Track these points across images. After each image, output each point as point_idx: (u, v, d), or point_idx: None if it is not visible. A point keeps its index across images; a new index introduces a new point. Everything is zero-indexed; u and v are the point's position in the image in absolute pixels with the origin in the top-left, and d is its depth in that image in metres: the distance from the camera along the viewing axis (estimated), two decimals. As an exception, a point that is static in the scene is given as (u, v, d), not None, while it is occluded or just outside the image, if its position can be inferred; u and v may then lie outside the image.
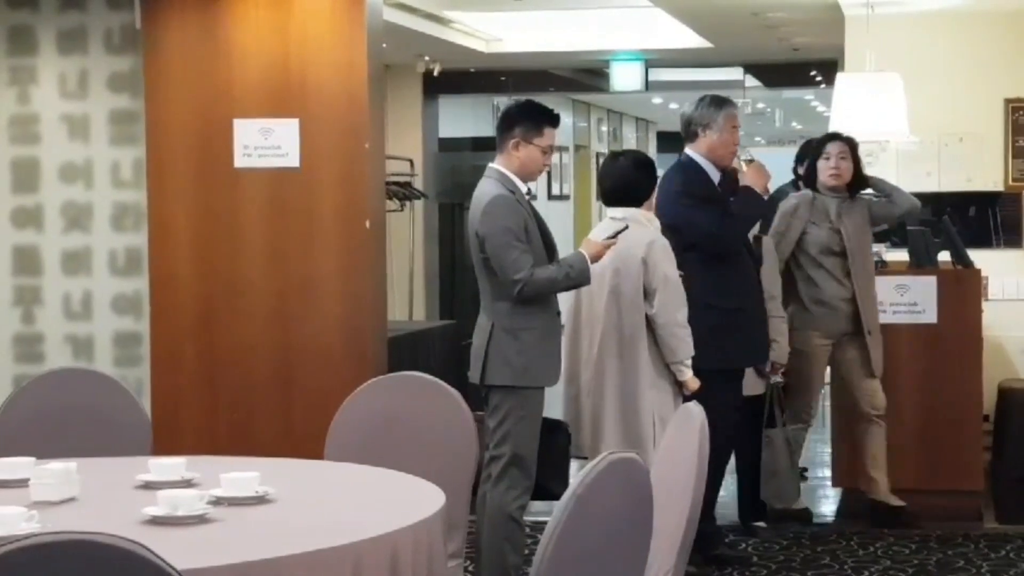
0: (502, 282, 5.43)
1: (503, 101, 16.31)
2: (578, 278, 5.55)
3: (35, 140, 7.60)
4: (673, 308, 5.98)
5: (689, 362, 6.00)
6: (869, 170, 7.62)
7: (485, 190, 5.51)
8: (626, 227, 5.78)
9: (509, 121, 5.55)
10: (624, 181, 6.14)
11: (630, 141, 22.63)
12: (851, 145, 7.37)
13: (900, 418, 7.53)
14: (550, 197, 17.40)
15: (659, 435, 5.96)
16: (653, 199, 6.23)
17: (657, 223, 6.16)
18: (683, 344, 5.98)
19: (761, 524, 7.29)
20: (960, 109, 8.99)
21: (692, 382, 5.99)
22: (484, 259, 5.47)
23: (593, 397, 6.08)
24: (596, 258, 5.61)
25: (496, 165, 5.56)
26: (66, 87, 7.56)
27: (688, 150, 6.54)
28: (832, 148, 7.33)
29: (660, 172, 6.44)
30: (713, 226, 6.34)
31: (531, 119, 5.54)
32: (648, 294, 6.01)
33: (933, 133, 9.05)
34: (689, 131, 6.52)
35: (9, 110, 7.60)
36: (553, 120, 5.59)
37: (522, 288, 5.38)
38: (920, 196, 7.67)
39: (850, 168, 7.29)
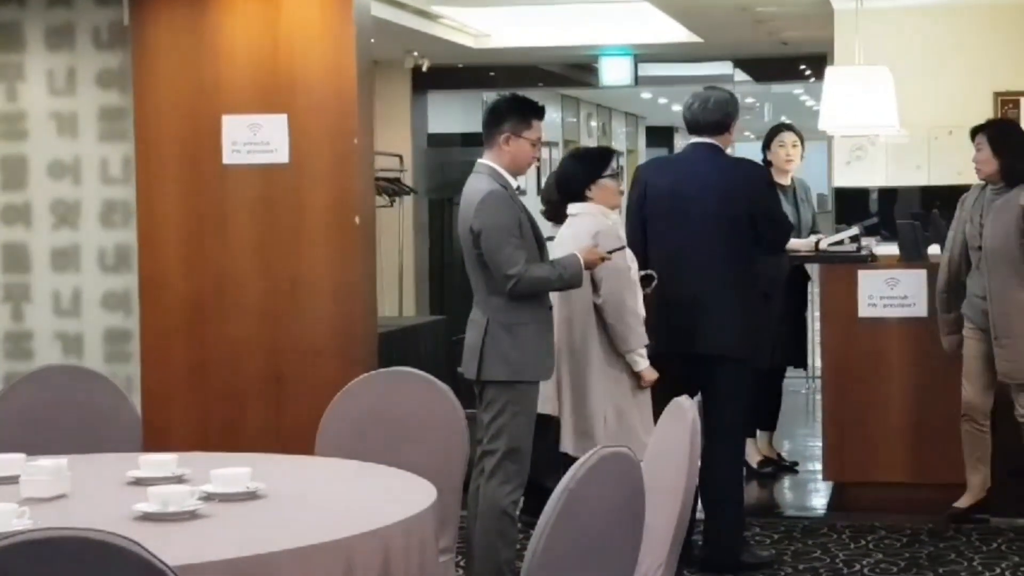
0: (496, 277, 5.42)
1: (492, 96, 16.31)
2: (570, 280, 5.56)
3: (23, 137, 7.58)
4: (621, 296, 6.00)
5: (644, 351, 6.02)
6: (862, 164, 7.53)
7: (478, 186, 5.50)
8: (623, 247, 5.79)
9: (497, 116, 5.54)
10: (561, 176, 6.11)
11: (620, 136, 22.64)
12: (990, 134, 6.98)
13: (891, 411, 7.53)
14: (539, 192, 17.39)
15: (615, 428, 6.01)
16: (613, 186, 6.19)
17: (613, 218, 6.13)
18: (633, 333, 6.01)
19: None
20: (949, 103, 9.00)
21: (648, 372, 6.02)
22: (478, 254, 5.46)
23: (557, 391, 6.14)
24: (590, 266, 5.64)
25: (486, 160, 5.55)
26: (54, 83, 7.55)
27: (718, 142, 6.38)
28: (978, 140, 7.01)
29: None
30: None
31: (519, 113, 5.54)
32: (595, 284, 6.03)
33: (922, 127, 9.06)
34: (723, 124, 6.34)
35: (-3, 107, 7.59)
36: (539, 112, 5.60)
37: (515, 284, 5.38)
38: (909, 190, 7.68)
39: (990, 159, 6.93)
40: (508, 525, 5.48)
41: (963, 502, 7.18)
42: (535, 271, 5.44)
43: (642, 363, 6.01)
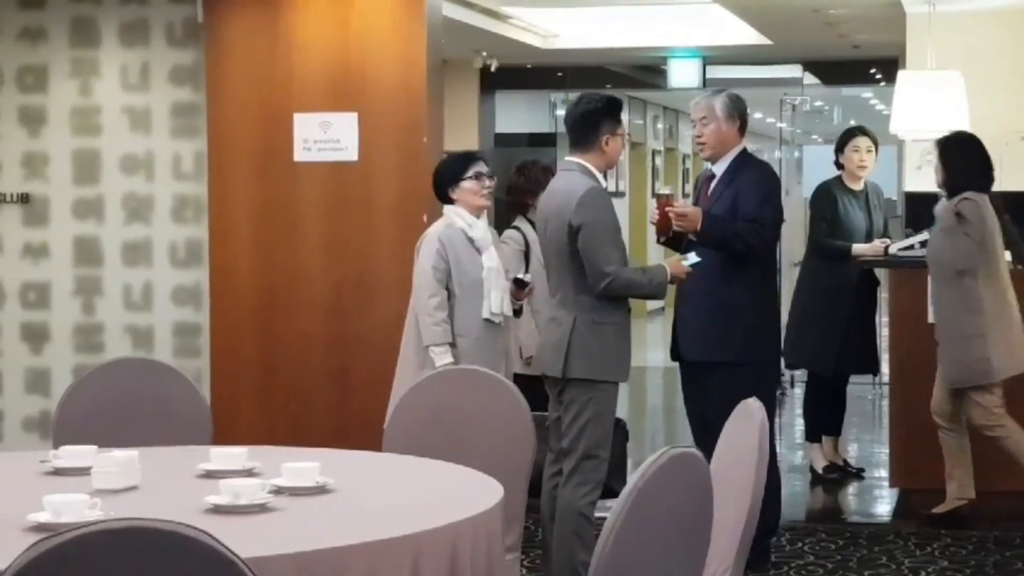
0: (591, 274, 5.44)
1: (559, 97, 16.31)
2: (655, 291, 5.64)
3: (96, 132, 7.66)
4: (423, 296, 6.11)
5: (439, 349, 6.03)
6: (932, 169, 7.41)
7: (576, 181, 5.52)
8: (700, 261, 5.78)
9: (595, 120, 5.56)
10: (434, 177, 6.29)
11: (686, 138, 22.57)
12: (941, 146, 7.11)
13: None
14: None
15: None
16: (474, 188, 6.16)
17: (468, 220, 6.13)
18: (428, 330, 6.07)
19: None
20: (1022, 108, 8.91)
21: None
22: (572, 251, 5.48)
23: None
24: (675, 279, 5.67)
25: (577, 159, 5.59)
26: (128, 79, 7.63)
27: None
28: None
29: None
30: None
31: (611, 113, 5.62)
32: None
33: (995, 132, 8.94)
34: None
35: (71, 102, 7.67)
36: (621, 107, 5.73)
37: (610, 283, 5.42)
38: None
39: (938, 169, 7.07)
40: (584, 526, 5.47)
41: (939, 508, 7.18)
42: (628, 274, 5.51)
43: (438, 360, 6.03)
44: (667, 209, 6.04)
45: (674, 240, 6.24)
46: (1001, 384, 7.01)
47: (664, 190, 6.39)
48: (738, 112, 6.29)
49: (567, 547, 5.48)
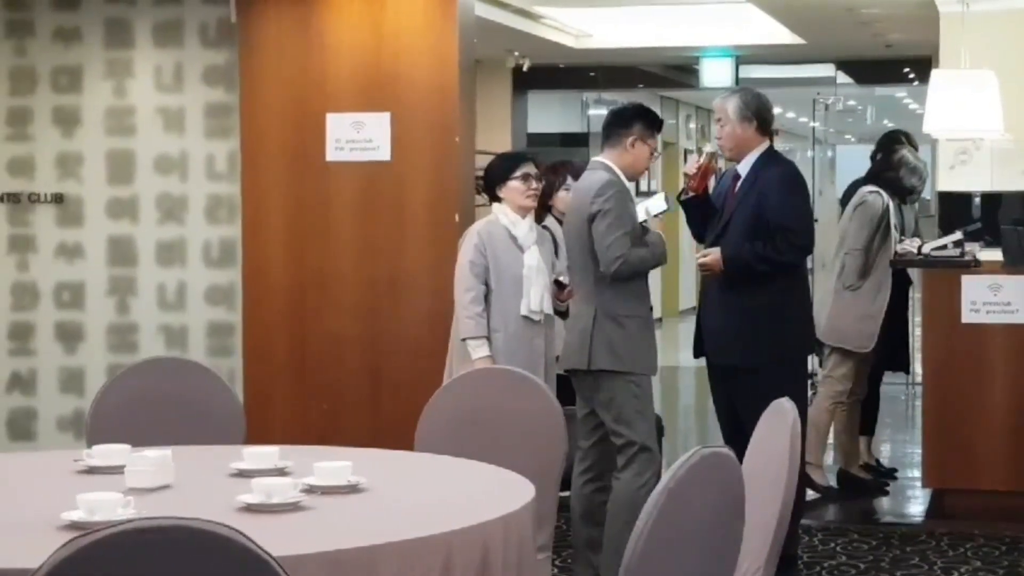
0: (602, 260, 5.56)
1: (592, 97, 16.29)
2: (659, 258, 5.72)
3: (131, 132, 7.70)
4: (459, 290, 6.16)
5: (474, 343, 6.07)
6: (966, 168, 7.40)
7: (596, 178, 5.69)
8: (667, 208, 5.87)
9: (627, 119, 5.73)
10: (484, 175, 6.37)
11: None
12: None
13: (992, 418, 7.44)
14: (638, 193, 17.33)
15: None
16: (520, 188, 6.17)
17: (509, 218, 6.16)
18: (463, 323, 6.12)
19: None
20: (1056, 107, 8.85)
21: (481, 363, 6.05)
22: (591, 242, 5.63)
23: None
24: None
25: (603, 159, 5.74)
26: (162, 80, 7.66)
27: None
28: None
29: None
30: None
31: (647, 121, 5.76)
32: None
33: (1029, 131, 8.90)
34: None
35: (105, 102, 7.71)
36: (660, 125, 5.85)
37: (620, 265, 5.55)
38: (1014, 195, 7.58)
39: None
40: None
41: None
42: (635, 253, 5.63)
43: (474, 352, 6.07)
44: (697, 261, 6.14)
45: (700, 198, 6.23)
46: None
47: (709, 147, 6.31)
48: (752, 112, 6.23)
49: (620, 540, 5.48)
